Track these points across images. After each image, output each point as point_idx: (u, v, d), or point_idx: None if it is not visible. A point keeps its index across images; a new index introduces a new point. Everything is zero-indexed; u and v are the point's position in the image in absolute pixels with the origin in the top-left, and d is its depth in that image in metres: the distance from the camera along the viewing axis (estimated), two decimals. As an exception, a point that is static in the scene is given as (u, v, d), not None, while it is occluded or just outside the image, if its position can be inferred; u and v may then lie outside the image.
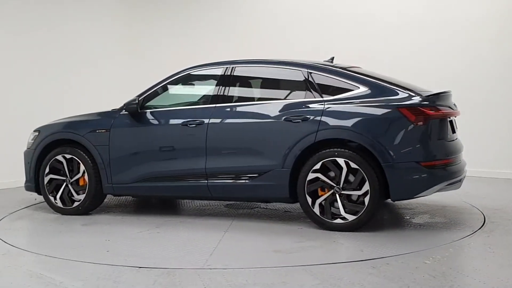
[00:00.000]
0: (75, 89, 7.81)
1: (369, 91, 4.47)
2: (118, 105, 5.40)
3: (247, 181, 4.64)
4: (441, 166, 4.37)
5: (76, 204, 5.15)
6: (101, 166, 5.05)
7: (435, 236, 4.27)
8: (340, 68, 4.77)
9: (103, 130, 5.08)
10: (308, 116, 4.44)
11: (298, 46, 8.22)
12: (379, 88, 4.49)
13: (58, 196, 5.19)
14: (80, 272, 3.48)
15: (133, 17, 8.72)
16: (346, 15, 8.29)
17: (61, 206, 5.20)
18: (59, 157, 5.19)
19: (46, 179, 5.24)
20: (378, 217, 4.81)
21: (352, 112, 4.38)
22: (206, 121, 4.76)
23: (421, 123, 4.26)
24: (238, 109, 4.83)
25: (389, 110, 4.31)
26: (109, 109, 5.41)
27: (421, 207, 5.39)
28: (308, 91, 4.63)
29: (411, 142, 4.26)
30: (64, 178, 5.19)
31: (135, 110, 4.98)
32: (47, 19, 7.60)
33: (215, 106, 4.83)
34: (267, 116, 4.64)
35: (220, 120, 4.78)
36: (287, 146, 4.48)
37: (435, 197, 5.86)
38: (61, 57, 7.69)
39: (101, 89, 8.02)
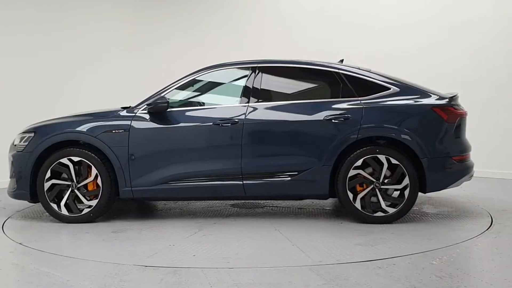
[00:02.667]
0: (79, 90, 7.83)
1: (399, 92, 4.80)
2: (120, 105, 5.33)
3: (286, 179, 4.69)
4: (464, 160, 4.84)
5: (86, 210, 4.78)
6: (118, 169, 4.73)
7: (442, 237, 4.26)
8: (365, 70, 4.99)
9: (121, 130, 4.76)
10: (349, 115, 4.64)
11: (304, 46, 8.22)
12: (407, 89, 4.84)
13: (62, 203, 4.79)
14: (87, 270, 3.50)
15: (140, 18, 8.74)
16: (351, 15, 8.30)
17: (67, 213, 4.80)
18: (64, 160, 4.77)
19: (47, 185, 4.79)
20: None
21: (390, 111, 4.71)
22: (241, 120, 4.72)
23: (451, 121, 4.72)
24: (275, 108, 4.82)
25: (424, 109, 4.72)
26: (111, 107, 5.22)
27: (428, 208, 5.37)
28: (343, 91, 4.82)
29: (444, 138, 4.71)
30: (69, 183, 4.80)
31: (165, 109, 4.77)
32: (53, 22, 7.64)
33: (249, 105, 4.80)
34: (307, 115, 4.75)
35: (257, 119, 4.75)
36: (329, 144, 4.65)
37: (442, 198, 5.85)
38: (66, 59, 7.73)
39: (106, 89, 8.03)
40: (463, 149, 4.83)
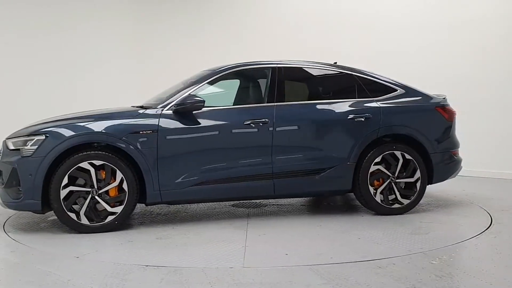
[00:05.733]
0: (79, 90, 7.86)
1: (405, 93, 5.22)
2: (121, 104, 5.29)
3: (314, 176, 4.85)
4: (457, 155, 5.35)
5: (110, 218, 4.41)
6: (146, 172, 4.46)
7: (442, 237, 4.27)
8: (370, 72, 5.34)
9: (149, 131, 4.49)
10: (370, 115, 4.93)
11: (304, 46, 8.24)
12: (410, 90, 5.27)
13: (82, 212, 4.36)
14: (88, 270, 3.51)
15: (142, 18, 8.76)
16: (352, 15, 8.33)
17: (88, 223, 4.38)
18: (84, 164, 4.35)
19: (64, 193, 4.33)
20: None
21: (403, 111, 5.13)
22: (271, 120, 4.75)
23: (450, 120, 5.26)
24: (301, 108, 4.96)
25: (430, 109, 5.22)
26: (120, 107, 5.06)
27: (428, 207, 5.38)
28: (358, 92, 5.12)
29: (445, 135, 5.21)
30: (89, 189, 4.39)
31: (200, 108, 4.60)
32: (53, 22, 7.68)
33: (276, 105, 4.84)
34: (332, 115, 4.95)
35: (286, 118, 4.83)
36: (353, 142, 4.91)
37: (442, 197, 5.86)
38: (66, 59, 7.76)
39: (109, 89, 8.05)
40: (457, 144, 5.34)
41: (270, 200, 5.75)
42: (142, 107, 4.86)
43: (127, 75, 8.35)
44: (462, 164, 5.41)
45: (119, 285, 3.18)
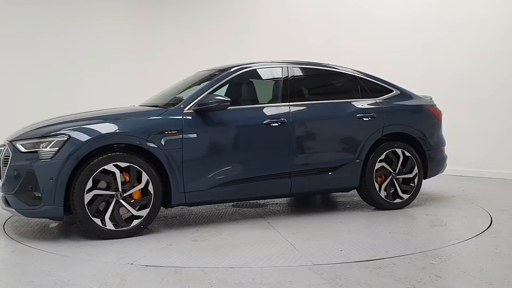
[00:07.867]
0: (82, 91, 7.86)
1: (400, 94, 5.50)
2: (122, 104, 5.28)
3: (327, 174, 5.01)
4: (445, 152, 5.69)
5: (136, 222, 4.25)
6: (172, 173, 4.35)
7: (442, 237, 4.28)
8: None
9: (174, 132, 4.39)
10: (375, 114, 5.15)
11: (304, 46, 8.25)
12: (403, 91, 5.55)
13: (107, 217, 4.15)
14: (88, 270, 3.51)
15: (142, 19, 8.76)
16: (352, 15, 8.33)
17: (113, 228, 4.18)
18: (109, 167, 4.14)
19: (88, 197, 4.10)
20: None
21: (403, 110, 5.41)
22: (288, 119, 4.84)
23: (440, 119, 5.64)
24: (314, 107, 5.08)
25: (423, 109, 5.56)
26: (128, 106, 4.99)
27: (428, 207, 5.39)
28: (361, 92, 5.33)
29: (436, 133, 5.57)
30: (113, 192, 4.18)
31: (225, 108, 4.54)
32: (53, 24, 7.69)
33: (291, 105, 4.93)
34: (343, 114, 5.14)
35: (302, 118, 4.94)
36: (362, 140, 5.13)
37: (442, 197, 5.87)
38: (69, 60, 7.76)
39: (109, 90, 8.06)
40: (444, 142, 5.70)
41: (268, 200, 5.76)
42: (156, 106, 4.77)
43: (128, 76, 8.36)
44: (462, 164, 5.57)
45: (119, 285, 3.18)
